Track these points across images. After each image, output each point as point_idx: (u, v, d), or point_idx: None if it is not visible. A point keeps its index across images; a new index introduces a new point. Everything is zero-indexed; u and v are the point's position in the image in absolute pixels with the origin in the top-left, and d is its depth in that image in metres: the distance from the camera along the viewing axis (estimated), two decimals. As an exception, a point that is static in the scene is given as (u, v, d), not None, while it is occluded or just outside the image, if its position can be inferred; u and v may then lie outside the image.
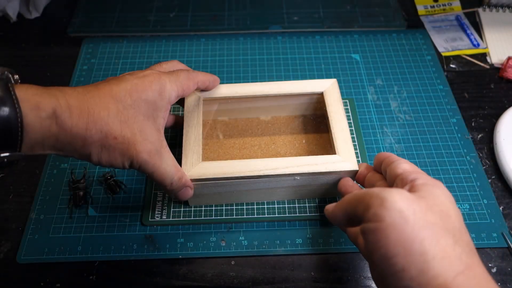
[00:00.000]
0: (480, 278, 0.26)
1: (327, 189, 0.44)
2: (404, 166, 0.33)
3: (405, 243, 0.26)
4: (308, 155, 0.48)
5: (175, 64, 0.41)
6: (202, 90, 0.45)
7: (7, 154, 0.27)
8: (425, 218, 0.27)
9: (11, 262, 0.41)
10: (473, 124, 0.53)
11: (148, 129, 0.34)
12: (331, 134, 0.43)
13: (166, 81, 0.36)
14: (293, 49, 0.61)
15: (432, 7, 0.68)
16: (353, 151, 0.41)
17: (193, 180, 0.39)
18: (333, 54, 0.60)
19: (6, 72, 0.29)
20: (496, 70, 0.59)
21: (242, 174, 0.39)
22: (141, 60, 0.60)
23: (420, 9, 0.67)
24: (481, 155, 0.50)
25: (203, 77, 0.41)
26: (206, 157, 0.48)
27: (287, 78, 0.57)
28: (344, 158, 0.40)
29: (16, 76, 0.29)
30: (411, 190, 0.30)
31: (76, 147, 0.30)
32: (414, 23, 0.66)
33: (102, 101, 0.31)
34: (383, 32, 0.64)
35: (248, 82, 0.57)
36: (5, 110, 0.26)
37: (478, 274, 0.26)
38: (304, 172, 0.39)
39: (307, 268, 0.41)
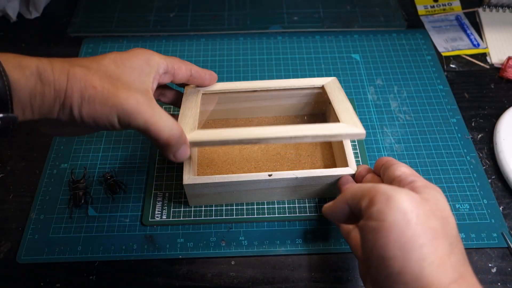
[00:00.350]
0: None
1: (327, 189, 0.44)
2: (403, 169, 0.33)
3: (404, 247, 0.26)
4: (309, 154, 0.48)
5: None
6: (198, 86, 0.44)
7: (0, 115, 0.27)
8: (427, 223, 0.27)
9: (11, 262, 0.41)
10: (473, 124, 0.53)
11: (133, 83, 0.32)
12: (334, 109, 0.41)
13: (154, 54, 0.35)
14: (293, 49, 0.61)
15: (432, 7, 0.68)
16: (357, 119, 0.38)
17: (191, 143, 0.37)
18: (333, 54, 0.60)
19: None
20: (496, 70, 0.59)
21: (240, 137, 0.36)
22: (141, 60, 0.59)
23: (420, 9, 0.67)
24: (481, 155, 0.50)
25: (198, 68, 0.41)
26: (206, 156, 0.48)
27: (287, 77, 0.57)
28: (349, 125, 0.38)
29: None
30: (412, 191, 0.30)
31: (60, 104, 0.29)
32: (414, 23, 0.66)
33: (83, 63, 0.31)
34: (383, 32, 0.64)
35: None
36: None
37: (471, 283, 0.26)
38: (308, 135, 0.36)
39: (307, 268, 0.41)
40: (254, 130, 0.37)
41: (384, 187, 0.29)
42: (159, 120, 0.32)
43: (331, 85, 0.45)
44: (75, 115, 0.30)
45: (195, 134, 0.37)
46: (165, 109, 0.53)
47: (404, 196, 0.27)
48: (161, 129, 0.32)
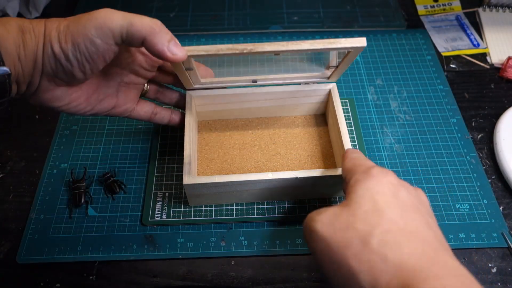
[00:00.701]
0: None
1: (327, 189, 0.44)
2: (344, 165, 0.35)
3: (333, 266, 0.27)
4: (309, 154, 0.48)
5: None
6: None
7: None
8: (345, 235, 0.27)
9: (11, 262, 0.41)
10: (473, 124, 0.53)
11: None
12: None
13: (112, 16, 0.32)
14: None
15: (432, 7, 0.68)
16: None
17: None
18: (333, 54, 0.60)
19: None
20: (496, 70, 0.59)
21: (234, 48, 0.36)
22: (141, 60, 0.59)
23: (420, 9, 0.67)
24: (481, 155, 0.50)
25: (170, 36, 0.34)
26: (206, 157, 0.48)
27: (287, 78, 0.57)
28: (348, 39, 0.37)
29: None
30: (346, 195, 0.31)
31: (41, 46, 0.31)
32: (414, 23, 0.65)
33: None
34: (383, 32, 0.64)
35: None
36: None
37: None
38: (306, 48, 0.36)
39: (307, 268, 0.41)
40: (249, 45, 0.36)
41: (307, 219, 0.31)
42: (134, 16, 0.33)
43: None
44: (56, 52, 0.31)
45: (191, 50, 0.36)
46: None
47: (314, 222, 0.29)
48: (141, 20, 0.33)
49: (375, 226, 0.26)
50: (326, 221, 0.28)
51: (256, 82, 0.46)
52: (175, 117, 0.46)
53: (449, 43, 0.62)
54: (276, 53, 0.37)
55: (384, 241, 0.26)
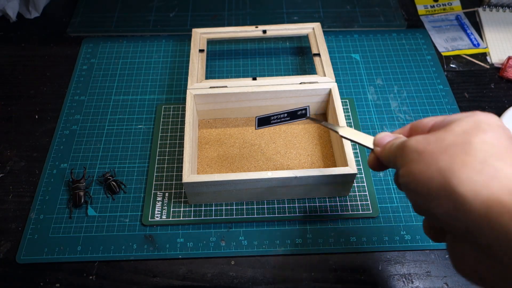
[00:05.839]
0: None
1: (327, 188, 0.44)
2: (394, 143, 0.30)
3: (423, 176, 0.25)
4: (309, 154, 0.48)
5: None
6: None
7: None
8: (440, 144, 0.25)
9: (11, 262, 0.41)
10: (473, 124, 0.53)
11: None
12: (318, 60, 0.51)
13: None
14: (293, 49, 0.61)
15: (432, 7, 0.68)
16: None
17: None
18: (333, 54, 0.60)
19: None
20: (496, 70, 0.59)
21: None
22: (141, 60, 0.60)
23: (420, 9, 0.67)
24: (481, 155, 0.50)
25: None
26: (206, 156, 0.48)
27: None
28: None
29: None
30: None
31: None
32: (414, 23, 0.65)
33: None
34: (383, 32, 0.64)
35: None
36: None
37: None
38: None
39: (307, 268, 0.41)
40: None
41: (396, 143, 0.28)
42: None
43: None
44: None
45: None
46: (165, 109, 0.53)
47: (411, 139, 0.27)
48: None
49: (474, 136, 0.24)
50: (419, 138, 0.26)
51: (255, 79, 0.47)
52: None
53: (449, 43, 0.62)
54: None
55: (486, 149, 0.23)
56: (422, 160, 0.25)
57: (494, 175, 0.22)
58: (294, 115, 0.39)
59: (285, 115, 0.40)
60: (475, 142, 0.23)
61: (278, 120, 0.40)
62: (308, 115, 0.39)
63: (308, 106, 0.39)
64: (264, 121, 0.40)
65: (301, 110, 0.39)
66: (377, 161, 0.31)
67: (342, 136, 0.34)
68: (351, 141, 0.34)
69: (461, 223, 0.23)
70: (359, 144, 0.33)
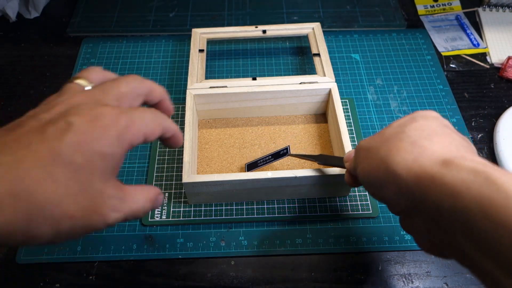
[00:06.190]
0: None
1: (327, 188, 0.44)
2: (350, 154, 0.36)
3: (371, 164, 0.29)
4: (309, 154, 0.48)
5: (103, 74, 0.29)
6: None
7: None
8: (381, 139, 0.29)
9: (11, 262, 0.41)
10: (473, 124, 0.53)
11: (107, 189, 0.24)
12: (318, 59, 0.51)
13: (125, 124, 0.24)
14: (294, 49, 0.61)
15: (432, 7, 0.68)
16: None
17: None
18: (333, 54, 0.60)
19: None
20: (496, 70, 0.59)
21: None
22: (141, 60, 0.60)
23: (420, 9, 0.67)
24: (481, 155, 0.50)
25: (172, 124, 0.28)
26: (206, 156, 0.48)
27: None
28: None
29: None
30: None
31: (13, 242, 0.22)
32: (414, 23, 0.65)
33: (44, 170, 0.21)
34: (383, 32, 0.64)
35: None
36: None
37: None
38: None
39: (307, 268, 0.41)
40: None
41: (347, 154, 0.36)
42: (134, 208, 0.26)
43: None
44: (43, 242, 0.23)
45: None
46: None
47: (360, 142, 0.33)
48: (138, 214, 0.27)
49: (407, 125, 0.28)
50: (367, 139, 0.31)
51: (255, 79, 0.47)
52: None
53: (449, 43, 0.62)
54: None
55: (416, 133, 0.27)
56: (369, 155, 0.29)
57: (422, 152, 0.26)
58: (277, 155, 0.45)
59: (270, 157, 0.45)
60: (407, 129, 0.28)
61: (264, 162, 0.45)
62: (288, 153, 0.44)
63: (289, 145, 0.45)
64: (252, 166, 0.45)
65: (283, 150, 0.45)
66: (351, 175, 0.35)
67: (319, 164, 0.40)
68: (328, 165, 0.40)
69: (406, 200, 0.26)
70: (334, 166, 0.39)
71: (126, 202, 0.26)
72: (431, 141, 0.26)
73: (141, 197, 0.27)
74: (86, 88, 0.27)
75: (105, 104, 0.25)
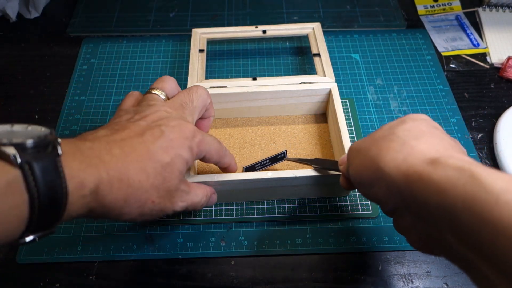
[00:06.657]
0: None
1: (327, 188, 0.44)
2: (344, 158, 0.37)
3: (363, 164, 0.30)
4: (309, 154, 0.48)
5: (170, 84, 0.37)
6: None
7: (40, 233, 0.25)
8: (371, 139, 0.31)
9: (11, 262, 0.41)
10: (473, 124, 0.53)
11: (180, 183, 0.32)
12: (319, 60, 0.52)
13: (198, 140, 0.33)
14: (293, 49, 0.61)
15: (432, 7, 0.68)
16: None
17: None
18: (333, 54, 0.60)
19: (52, 143, 0.24)
20: (496, 70, 0.59)
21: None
22: (141, 60, 0.60)
23: (420, 9, 0.67)
24: (481, 155, 0.50)
25: (227, 159, 0.38)
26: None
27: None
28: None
29: (59, 140, 0.25)
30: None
31: (110, 215, 0.29)
32: (414, 23, 0.65)
33: (141, 165, 0.29)
34: (383, 32, 0.64)
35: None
36: (56, 192, 0.24)
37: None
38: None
39: (307, 268, 0.41)
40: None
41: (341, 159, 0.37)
42: (194, 201, 0.35)
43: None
44: (127, 220, 0.30)
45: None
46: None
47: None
48: (197, 206, 0.36)
49: (397, 127, 0.30)
50: (358, 141, 0.32)
51: (255, 79, 0.47)
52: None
53: (449, 43, 0.62)
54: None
55: (405, 134, 0.28)
56: (359, 156, 0.30)
57: (411, 151, 0.27)
58: (274, 159, 0.45)
59: (267, 161, 0.45)
60: (397, 131, 0.29)
61: (262, 166, 0.45)
62: (285, 157, 0.45)
63: (286, 150, 0.46)
64: (250, 170, 0.45)
65: (280, 154, 0.45)
66: (346, 178, 0.35)
67: (314, 167, 0.40)
68: (323, 169, 0.40)
69: (396, 198, 0.27)
70: (329, 169, 0.40)
71: (190, 195, 0.34)
72: (420, 141, 0.27)
73: (200, 192, 0.36)
74: (162, 97, 0.36)
75: (186, 120, 0.34)
